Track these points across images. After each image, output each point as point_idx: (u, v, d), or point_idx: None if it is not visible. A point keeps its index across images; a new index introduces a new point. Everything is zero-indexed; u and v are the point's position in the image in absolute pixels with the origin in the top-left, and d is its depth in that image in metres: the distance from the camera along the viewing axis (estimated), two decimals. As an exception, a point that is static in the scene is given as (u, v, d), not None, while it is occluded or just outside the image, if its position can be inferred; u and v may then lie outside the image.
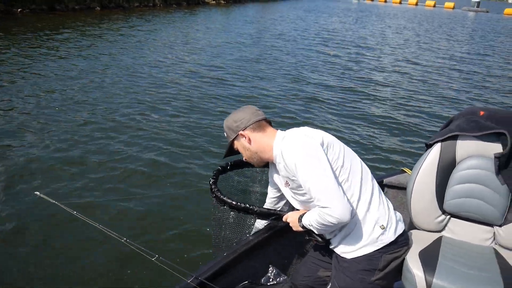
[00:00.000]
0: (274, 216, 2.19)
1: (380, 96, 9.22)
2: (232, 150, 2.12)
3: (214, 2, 33.64)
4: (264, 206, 2.35)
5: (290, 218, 2.06)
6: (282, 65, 11.85)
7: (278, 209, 2.33)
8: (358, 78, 10.81)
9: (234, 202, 2.17)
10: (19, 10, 17.45)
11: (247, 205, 2.17)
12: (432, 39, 21.45)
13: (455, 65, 13.97)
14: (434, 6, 62.10)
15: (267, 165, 2.27)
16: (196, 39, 15.31)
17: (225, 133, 2.09)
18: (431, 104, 8.89)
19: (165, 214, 4.10)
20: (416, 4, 62.93)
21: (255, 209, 2.17)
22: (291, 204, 2.18)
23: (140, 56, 11.50)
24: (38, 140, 5.51)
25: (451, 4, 61.12)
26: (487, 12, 57.69)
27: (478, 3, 60.44)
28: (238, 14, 27.14)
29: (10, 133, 5.66)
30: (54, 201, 2.34)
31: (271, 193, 2.33)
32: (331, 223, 1.77)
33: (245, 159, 2.13)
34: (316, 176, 1.77)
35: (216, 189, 2.24)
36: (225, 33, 17.59)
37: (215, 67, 10.90)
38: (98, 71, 9.39)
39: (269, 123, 2.07)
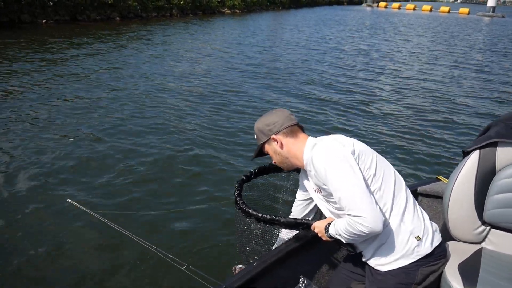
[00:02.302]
0: (302, 226, 2.11)
1: (412, 103, 9.04)
2: (261, 153, 2.08)
3: (229, 11, 34.20)
4: (292, 209, 2.29)
5: (317, 228, 1.99)
6: (305, 73, 11.90)
7: (307, 212, 2.24)
8: (389, 87, 10.58)
9: (259, 214, 2.09)
10: (44, 21, 18.14)
11: (273, 216, 2.09)
12: (458, 44, 21.51)
13: (489, 70, 13.87)
14: (449, 12, 61.90)
15: (295, 169, 2.25)
16: (213, 48, 15.71)
17: (255, 135, 2.04)
18: (467, 110, 8.68)
19: (195, 225, 4.08)
20: (430, 11, 62.78)
21: (282, 220, 2.08)
22: (318, 210, 2.14)
23: (160, 64, 11.83)
24: (72, 148, 5.62)
25: (466, 10, 60.84)
26: (503, 17, 57.30)
27: (494, 8, 60.04)
28: (252, 23, 27.55)
29: (44, 140, 5.82)
30: (85, 209, 2.36)
31: (300, 196, 2.24)
32: (363, 232, 1.70)
33: (274, 163, 2.08)
34: (347, 185, 1.72)
35: (241, 201, 2.17)
36: (240, 41, 17.94)
37: (235, 75, 11.16)
38: (123, 79, 9.70)
39: (302, 128, 2.02)
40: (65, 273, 3.38)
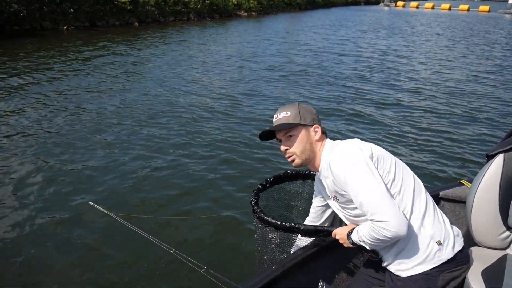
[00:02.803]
0: (322, 233, 2.09)
1: (433, 105, 8.92)
2: (271, 136, 2.00)
3: (246, 14, 34.34)
4: (308, 216, 2.27)
5: (339, 235, 1.96)
6: (321, 75, 11.86)
7: (324, 219, 2.22)
8: (409, 89, 10.44)
9: (278, 223, 2.08)
10: (65, 27, 18.54)
11: (293, 224, 2.07)
12: (480, 43, 21.25)
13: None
14: (468, 10, 60.91)
15: (305, 175, 2.35)
16: (229, 51, 15.82)
17: (287, 113, 1.94)
18: (490, 112, 8.52)
19: (214, 228, 4.11)
20: (449, 9, 61.88)
21: (302, 228, 2.07)
22: (336, 215, 2.12)
23: (176, 68, 11.97)
24: (94, 153, 5.75)
25: (486, 8, 59.73)
26: (525, 13, 56.08)
27: (515, 5, 58.81)
28: (268, 25, 27.62)
29: (67, 146, 5.95)
30: (106, 211, 2.40)
31: (317, 202, 2.21)
32: (387, 237, 1.68)
33: (286, 149, 1.95)
34: (368, 189, 1.69)
35: (259, 210, 2.16)
36: (256, 44, 18.02)
37: (251, 78, 11.27)
38: (141, 84, 9.88)
39: (325, 133, 2.02)
40: (85, 274, 3.46)
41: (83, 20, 19.74)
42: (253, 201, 2.23)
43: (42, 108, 7.63)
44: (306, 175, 2.48)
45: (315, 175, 2.20)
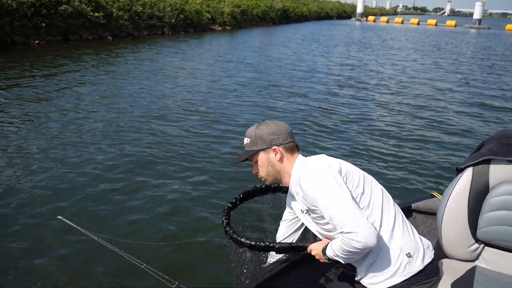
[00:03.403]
0: (297, 250, 2.10)
1: (404, 120, 9.05)
2: (246, 158, 2.05)
3: (220, 28, 34.63)
4: (279, 229, 2.29)
5: (314, 250, 1.98)
6: (292, 89, 11.93)
7: (294, 230, 2.26)
8: (379, 103, 10.61)
9: (253, 243, 2.07)
10: (36, 41, 18.34)
11: (267, 243, 2.07)
12: (447, 57, 21.92)
13: (479, 84, 13.94)
14: (436, 24, 62.95)
15: (276, 188, 2.35)
16: (201, 65, 15.91)
17: (247, 139, 2.02)
18: (460, 127, 8.65)
19: (186, 242, 4.00)
20: (418, 24, 63.81)
21: (277, 246, 2.07)
22: (308, 229, 2.13)
23: (148, 82, 11.90)
24: (60, 167, 5.63)
25: (453, 22, 61.96)
26: (489, 28, 58.40)
27: (480, 20, 61.21)
28: (244, 39, 27.91)
29: (35, 160, 5.84)
30: (74, 225, 2.36)
31: (287, 216, 2.25)
32: (357, 248, 1.70)
33: (256, 173, 2.06)
34: (337, 203, 1.73)
35: (231, 231, 2.13)
36: (228, 58, 18.14)
37: (222, 92, 11.33)
38: (114, 98, 9.81)
39: (298, 147, 2.04)
40: None
41: (55, 34, 19.56)
42: (225, 221, 2.19)
43: (6, 121, 7.52)
44: (276, 188, 2.49)
45: (284, 187, 2.21)
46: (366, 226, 1.69)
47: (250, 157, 2.02)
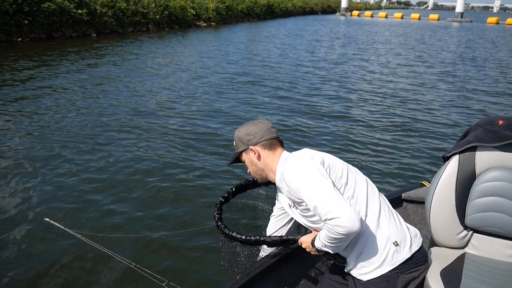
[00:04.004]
0: (288, 243, 2.11)
1: (390, 111, 9.19)
2: (237, 160, 2.11)
3: (205, 24, 34.56)
4: (269, 222, 2.29)
5: (304, 243, 2.00)
6: (278, 84, 11.98)
7: (284, 224, 2.26)
8: (366, 97, 10.70)
9: (243, 237, 2.08)
10: (19, 39, 18.15)
11: (258, 237, 2.08)
12: (431, 50, 22.22)
13: (463, 75, 14.30)
14: (419, 18, 63.59)
15: (269, 182, 2.27)
16: (185, 61, 15.92)
17: (234, 142, 2.08)
18: (446, 116, 8.85)
19: (175, 240, 4.02)
20: (402, 18, 64.38)
21: (268, 240, 2.09)
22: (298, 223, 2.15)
23: (133, 79, 11.91)
24: (46, 167, 5.60)
25: (436, 16, 62.68)
26: (471, 22, 59.21)
27: (462, 14, 62.00)
28: (229, 35, 27.90)
29: (18, 158, 5.82)
30: (62, 227, 2.34)
31: (277, 211, 2.26)
32: (342, 234, 1.70)
33: (249, 172, 2.10)
34: (319, 193, 1.74)
35: (223, 226, 2.14)
36: (212, 54, 18.15)
37: (207, 88, 11.37)
38: (97, 96, 9.73)
39: (281, 142, 2.05)
40: None
41: (39, 31, 19.37)
42: (217, 216, 2.19)
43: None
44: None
45: None
46: (349, 211, 1.69)
47: (240, 158, 2.09)
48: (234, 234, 2.09)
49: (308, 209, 1.86)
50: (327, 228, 1.75)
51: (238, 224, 2.37)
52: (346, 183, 1.87)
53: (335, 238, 1.74)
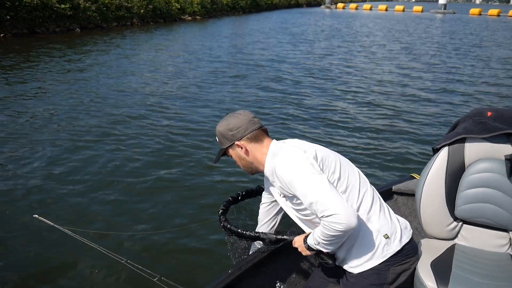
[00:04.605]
0: (283, 242, 2.11)
1: (379, 103, 9.26)
2: (223, 155, 2.05)
3: (190, 18, 34.38)
4: (259, 213, 2.29)
5: (297, 242, 1.97)
6: (266, 75, 12.09)
7: (273, 215, 2.27)
8: (353, 87, 10.85)
9: (239, 230, 2.12)
10: (1, 35, 17.90)
11: (255, 233, 2.12)
12: (416, 42, 22.41)
13: (450, 67, 14.44)
14: (403, 10, 63.97)
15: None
16: (171, 55, 15.95)
17: (216, 138, 2.00)
18: (436, 107, 8.97)
19: (167, 235, 4.01)
20: (386, 10, 64.70)
21: (263, 237, 2.11)
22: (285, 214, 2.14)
23: (119, 73, 11.90)
24: (35, 163, 5.59)
25: (420, 8, 63.04)
26: (454, 13, 59.78)
27: (445, 5, 62.53)
28: (214, 29, 27.83)
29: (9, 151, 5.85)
30: (52, 223, 2.33)
31: (265, 199, 2.25)
32: (339, 230, 1.69)
33: (238, 165, 2.06)
34: (314, 189, 1.71)
35: (223, 219, 2.20)
36: (200, 48, 18.14)
37: (194, 81, 11.44)
38: (84, 91, 9.68)
39: (266, 132, 2.00)
40: None
41: (21, 27, 19.12)
42: (221, 210, 2.25)
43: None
44: None
45: None
46: (346, 207, 1.69)
47: (226, 153, 2.03)
48: (232, 227, 2.14)
49: (300, 203, 1.85)
50: (323, 225, 1.73)
51: (247, 227, 2.34)
52: (339, 178, 1.85)
53: (332, 235, 1.72)
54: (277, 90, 10.42)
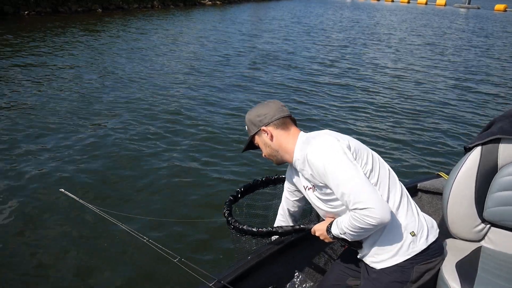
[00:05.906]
0: (301, 232, 2.08)
1: (411, 99, 9.01)
2: (251, 145, 2.03)
3: (210, 2, 34.45)
4: (280, 206, 2.25)
5: (319, 231, 1.94)
6: (293, 66, 11.90)
7: (297, 208, 2.23)
8: (385, 81, 10.53)
9: (255, 229, 2.06)
10: (26, 12, 18.31)
11: (270, 228, 2.07)
12: (447, 38, 21.92)
13: (491, 63, 14.01)
14: (426, 3, 62.91)
15: (276, 181, 2.32)
16: (192, 39, 16.05)
17: (246, 127, 2.00)
18: (470, 105, 8.63)
19: (191, 223, 4.01)
20: (409, 2, 63.74)
21: (280, 231, 2.06)
22: (309, 208, 2.11)
23: (140, 56, 12.03)
24: (63, 143, 5.65)
25: (443, 1, 61.90)
26: (478, 8, 58.55)
27: None
28: (234, 14, 27.91)
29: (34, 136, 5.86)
30: (78, 199, 2.34)
31: (289, 195, 2.19)
32: (372, 225, 1.66)
33: (264, 156, 2.01)
34: (349, 179, 1.67)
35: (233, 220, 2.13)
36: (219, 34, 18.18)
37: (220, 67, 11.44)
38: (108, 73, 9.80)
39: (294, 121, 1.98)
40: (53, 262, 3.43)
41: (45, 5, 19.51)
42: (226, 212, 2.19)
43: None
44: (276, 179, 2.49)
45: (285, 178, 2.20)
46: (381, 202, 1.66)
47: (254, 143, 2.02)
48: (245, 227, 2.09)
49: (329, 194, 1.81)
50: (353, 217, 1.69)
51: (249, 222, 2.32)
52: (371, 170, 1.80)
53: (362, 228, 1.70)
54: (301, 79, 10.18)
